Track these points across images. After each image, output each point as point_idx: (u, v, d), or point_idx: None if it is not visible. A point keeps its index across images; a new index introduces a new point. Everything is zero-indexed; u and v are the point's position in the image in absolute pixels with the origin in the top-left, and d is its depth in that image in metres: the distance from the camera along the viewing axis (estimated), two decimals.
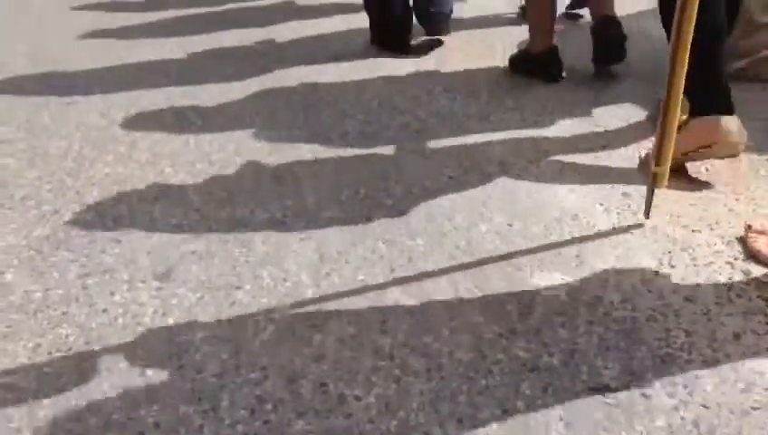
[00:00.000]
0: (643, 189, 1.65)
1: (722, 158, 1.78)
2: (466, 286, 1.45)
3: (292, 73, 2.77)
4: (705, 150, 1.74)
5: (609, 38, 2.50)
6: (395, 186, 1.87)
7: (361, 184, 1.89)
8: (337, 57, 2.92)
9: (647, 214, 1.64)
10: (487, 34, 3.14)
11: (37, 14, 3.84)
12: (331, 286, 1.48)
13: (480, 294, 1.42)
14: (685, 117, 1.74)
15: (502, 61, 2.73)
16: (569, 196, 1.78)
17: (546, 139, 2.09)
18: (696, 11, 1.40)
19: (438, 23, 3.07)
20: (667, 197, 1.72)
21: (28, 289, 1.53)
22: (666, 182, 1.59)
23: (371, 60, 2.87)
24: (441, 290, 1.44)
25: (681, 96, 1.49)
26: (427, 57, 2.91)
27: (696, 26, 1.41)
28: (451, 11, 3.12)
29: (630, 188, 1.79)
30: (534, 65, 2.58)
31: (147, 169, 2.05)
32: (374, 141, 2.13)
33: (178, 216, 1.79)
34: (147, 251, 1.65)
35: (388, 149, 2.08)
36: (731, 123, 1.71)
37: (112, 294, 1.50)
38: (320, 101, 2.47)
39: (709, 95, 1.73)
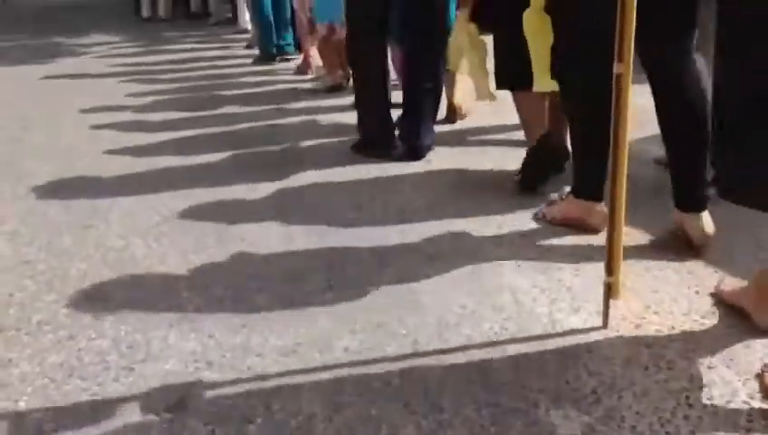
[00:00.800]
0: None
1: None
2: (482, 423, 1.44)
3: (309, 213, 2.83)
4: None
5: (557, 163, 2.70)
6: (408, 316, 1.88)
7: (375, 312, 1.90)
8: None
9: (604, 323, 1.74)
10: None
11: (62, 132, 3.98)
12: (345, 421, 1.47)
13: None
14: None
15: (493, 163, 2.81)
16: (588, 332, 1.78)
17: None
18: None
19: (419, 151, 3.20)
20: (680, 329, 1.72)
21: (40, 418, 1.52)
22: (620, 293, 1.73)
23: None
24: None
25: (624, 209, 1.69)
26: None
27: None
28: (432, 142, 3.27)
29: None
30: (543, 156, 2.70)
31: (163, 293, 2.07)
32: (387, 265, 2.16)
33: (193, 342, 1.80)
34: (160, 380, 1.64)
35: (403, 274, 2.11)
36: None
37: (124, 426, 1.49)
38: (333, 221, 2.52)
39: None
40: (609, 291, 1.72)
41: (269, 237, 2.44)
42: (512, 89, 2.80)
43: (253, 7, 6.25)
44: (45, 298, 2.08)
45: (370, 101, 3.29)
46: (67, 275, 2.22)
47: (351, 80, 3.68)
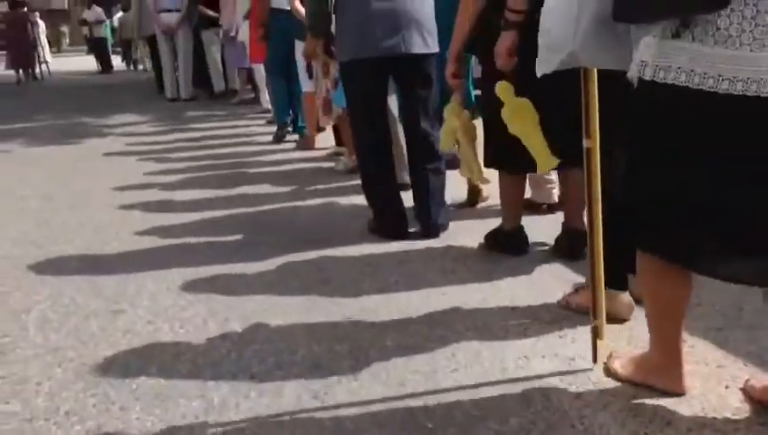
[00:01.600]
0: None
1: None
2: None
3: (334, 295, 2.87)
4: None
5: (571, 250, 2.88)
6: (425, 418, 1.88)
7: (400, 402, 1.91)
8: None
9: (594, 359, 2.04)
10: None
11: (90, 213, 4.07)
12: None
13: None
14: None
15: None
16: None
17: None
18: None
19: (433, 230, 3.31)
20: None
21: None
22: (603, 335, 2.05)
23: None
24: None
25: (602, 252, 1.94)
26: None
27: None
28: (447, 220, 3.38)
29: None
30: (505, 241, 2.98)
31: (189, 382, 2.09)
32: (410, 351, 2.17)
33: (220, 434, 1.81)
34: None
35: (426, 362, 2.11)
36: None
37: None
38: (361, 311, 2.55)
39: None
40: (596, 333, 2.04)
41: (294, 322, 2.47)
42: (499, 169, 2.93)
43: (272, 85, 6.50)
44: (74, 387, 2.10)
45: (377, 185, 3.38)
46: (96, 363, 2.25)
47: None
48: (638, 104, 1.65)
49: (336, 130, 5.38)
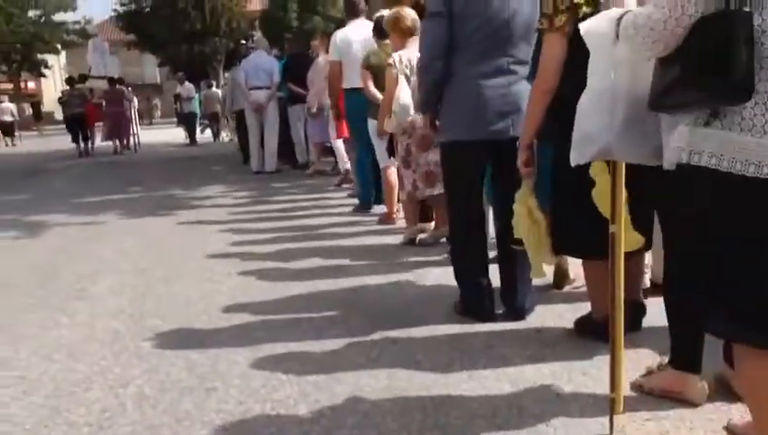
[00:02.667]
0: None
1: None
2: None
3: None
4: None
5: (632, 323, 2.76)
6: None
7: None
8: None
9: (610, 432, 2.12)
10: None
11: (183, 285, 4.21)
12: None
13: None
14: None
15: None
16: None
17: None
18: None
19: (519, 312, 3.29)
20: None
21: None
22: (621, 407, 2.16)
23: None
24: None
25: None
26: None
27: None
28: (533, 303, 3.35)
29: None
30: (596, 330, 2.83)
31: None
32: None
33: None
34: None
35: None
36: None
37: None
38: (451, 396, 2.52)
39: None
40: (612, 406, 2.18)
41: (383, 406, 2.46)
42: (580, 256, 2.89)
43: (356, 160, 6.66)
44: None
45: (467, 264, 3.37)
46: None
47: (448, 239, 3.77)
48: (678, 186, 1.79)
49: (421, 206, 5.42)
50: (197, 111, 19.18)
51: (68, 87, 17.46)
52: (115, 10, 36.05)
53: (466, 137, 3.23)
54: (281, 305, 3.72)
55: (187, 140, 17.65)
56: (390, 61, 4.89)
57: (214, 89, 19.16)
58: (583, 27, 2.12)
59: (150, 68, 44.18)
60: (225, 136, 18.61)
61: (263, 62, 10.02)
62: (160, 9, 32.71)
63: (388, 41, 6.01)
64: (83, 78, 18.81)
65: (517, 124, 3.15)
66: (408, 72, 4.84)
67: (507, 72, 3.20)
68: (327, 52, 8.42)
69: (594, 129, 2.08)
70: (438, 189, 4.58)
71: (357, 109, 5.99)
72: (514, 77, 3.20)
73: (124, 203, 7.87)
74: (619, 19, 1.91)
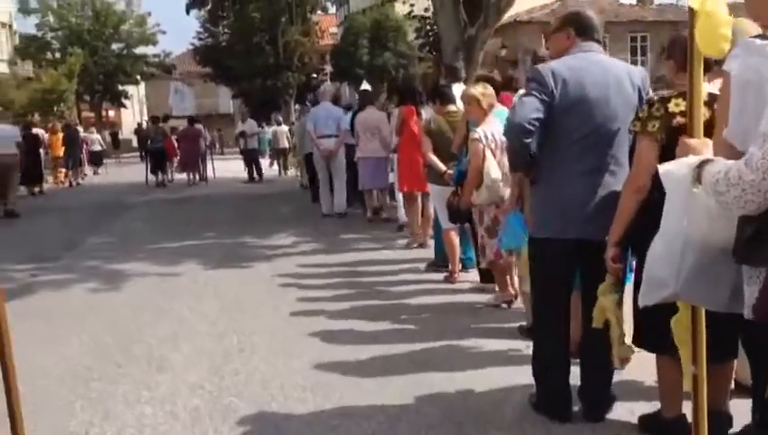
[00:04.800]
0: None
1: None
2: None
3: None
4: None
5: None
6: None
7: None
8: None
9: None
10: None
11: (256, 361, 4.32)
12: None
13: None
14: None
15: None
16: None
17: None
18: None
19: (598, 412, 3.24)
20: None
21: None
22: None
23: None
24: None
25: None
26: None
27: None
28: (611, 401, 3.29)
29: None
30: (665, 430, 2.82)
31: None
32: None
33: None
34: None
35: None
36: None
37: None
38: None
39: None
40: None
41: None
42: (655, 352, 2.86)
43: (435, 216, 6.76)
44: None
45: (548, 363, 3.33)
46: None
47: (533, 332, 3.75)
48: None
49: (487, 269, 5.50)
50: (261, 148, 19.72)
51: (152, 124, 19.51)
52: (193, 44, 37.48)
53: (560, 235, 3.18)
54: (355, 390, 3.75)
55: (250, 177, 18.03)
56: (476, 135, 5.00)
57: (282, 126, 19.94)
58: (662, 169, 2.12)
59: (224, 99, 45.49)
60: (291, 171, 19.15)
61: (330, 112, 10.49)
62: (236, 44, 33.83)
63: (450, 107, 6.24)
64: (166, 118, 20.58)
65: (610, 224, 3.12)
66: (493, 146, 4.95)
67: (604, 172, 3.16)
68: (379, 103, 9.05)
69: (663, 273, 2.07)
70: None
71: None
72: (611, 177, 3.16)
73: (198, 251, 8.09)
74: (699, 167, 1.90)
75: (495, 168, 4.90)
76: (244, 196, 14.74)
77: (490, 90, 5.14)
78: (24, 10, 37.96)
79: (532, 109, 3.09)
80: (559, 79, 3.10)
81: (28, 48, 36.71)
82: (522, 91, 3.98)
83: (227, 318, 5.26)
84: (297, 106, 35.92)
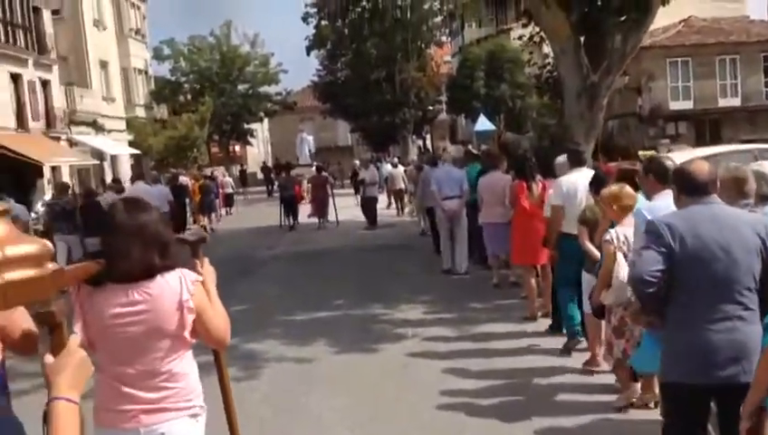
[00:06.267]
0: None
1: None
2: None
3: None
4: None
5: None
6: None
7: None
8: None
9: None
10: None
11: None
12: None
13: None
14: None
15: None
16: None
17: None
18: None
19: None
20: None
21: None
22: None
23: None
24: None
25: None
26: None
27: None
28: None
29: None
30: None
31: None
32: None
33: None
34: None
35: None
36: None
37: None
38: None
39: None
40: None
41: None
42: None
43: (562, 298, 6.67)
44: None
45: None
46: None
47: None
48: None
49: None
50: (378, 196, 20.04)
51: (283, 174, 21.75)
52: (312, 81, 38.78)
53: (690, 380, 3.14)
54: None
55: (369, 223, 18.31)
56: (608, 237, 4.92)
57: (398, 167, 20.36)
58: None
59: (343, 132, 46.74)
60: (408, 213, 19.46)
61: (452, 174, 10.88)
62: (353, 81, 34.70)
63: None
64: (291, 166, 22.90)
65: (749, 370, 3.03)
66: (625, 249, 4.84)
67: (733, 318, 3.12)
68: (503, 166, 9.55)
69: None
70: None
71: (570, 253, 6.14)
72: (741, 322, 3.11)
73: (329, 326, 8.24)
74: None
75: (624, 271, 4.78)
76: (367, 247, 14.97)
77: (626, 191, 5.04)
78: (159, 57, 40.70)
79: (651, 261, 3.14)
80: (676, 233, 3.14)
81: (162, 91, 39.22)
82: None
83: (365, 419, 5.35)
84: (415, 139, 36.50)
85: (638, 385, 5.09)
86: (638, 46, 11.69)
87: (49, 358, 1.55)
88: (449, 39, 42.13)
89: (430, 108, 36.85)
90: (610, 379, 5.47)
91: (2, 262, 1.14)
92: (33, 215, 14.25)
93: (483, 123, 23.49)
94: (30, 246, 1.24)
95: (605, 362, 5.49)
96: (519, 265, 8.52)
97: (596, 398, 5.36)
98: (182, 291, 2.55)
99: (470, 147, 21.10)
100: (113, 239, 2.48)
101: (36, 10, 25.42)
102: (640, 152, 13.50)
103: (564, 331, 6.71)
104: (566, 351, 6.46)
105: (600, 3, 11.38)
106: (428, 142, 40.37)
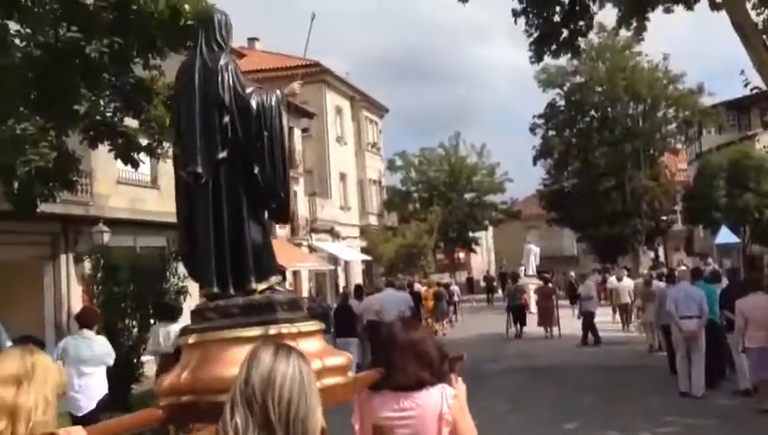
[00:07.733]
0: None
1: None
2: None
3: None
4: None
5: None
6: None
7: None
8: None
9: None
10: None
11: None
12: None
13: None
14: None
15: None
16: None
17: None
18: None
19: None
20: None
21: None
22: None
23: None
24: None
25: None
26: None
27: None
28: None
29: None
30: None
31: None
32: None
33: None
34: None
35: None
36: None
37: None
38: None
39: None
40: None
41: None
42: None
43: None
44: None
45: None
46: None
47: None
48: None
49: None
50: (595, 311, 19.19)
51: (510, 282, 22.77)
52: (538, 190, 38.92)
53: None
54: None
55: (584, 340, 17.49)
56: None
57: (625, 280, 19.55)
58: None
59: (568, 241, 45.91)
60: (635, 328, 18.59)
61: (691, 293, 10.42)
62: (581, 190, 34.23)
63: None
64: (516, 276, 23.22)
65: None
66: None
67: None
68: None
69: None
70: None
71: None
72: None
73: None
74: None
75: None
76: (594, 364, 14.29)
77: None
78: (391, 168, 43.40)
79: None
80: None
81: (393, 200, 41.55)
82: None
83: None
84: (646, 250, 34.76)
85: None
86: None
87: None
88: (685, 146, 40.35)
89: (663, 218, 35.08)
90: None
91: (321, 370, 1.39)
92: None
93: (725, 235, 21.91)
94: (340, 359, 1.49)
95: None
96: None
97: None
98: (443, 404, 2.82)
99: (710, 260, 19.71)
100: (393, 354, 2.80)
101: (289, 129, 28.61)
102: None
103: None
104: None
105: None
106: (661, 253, 38.23)
